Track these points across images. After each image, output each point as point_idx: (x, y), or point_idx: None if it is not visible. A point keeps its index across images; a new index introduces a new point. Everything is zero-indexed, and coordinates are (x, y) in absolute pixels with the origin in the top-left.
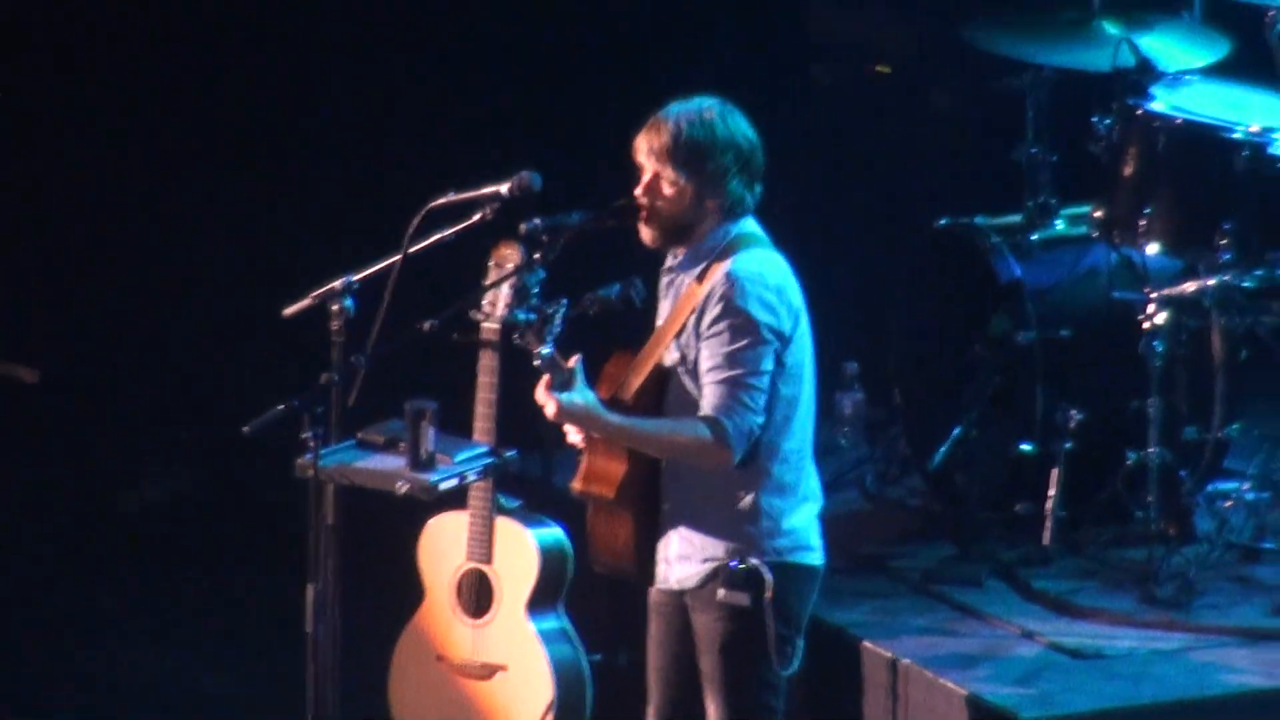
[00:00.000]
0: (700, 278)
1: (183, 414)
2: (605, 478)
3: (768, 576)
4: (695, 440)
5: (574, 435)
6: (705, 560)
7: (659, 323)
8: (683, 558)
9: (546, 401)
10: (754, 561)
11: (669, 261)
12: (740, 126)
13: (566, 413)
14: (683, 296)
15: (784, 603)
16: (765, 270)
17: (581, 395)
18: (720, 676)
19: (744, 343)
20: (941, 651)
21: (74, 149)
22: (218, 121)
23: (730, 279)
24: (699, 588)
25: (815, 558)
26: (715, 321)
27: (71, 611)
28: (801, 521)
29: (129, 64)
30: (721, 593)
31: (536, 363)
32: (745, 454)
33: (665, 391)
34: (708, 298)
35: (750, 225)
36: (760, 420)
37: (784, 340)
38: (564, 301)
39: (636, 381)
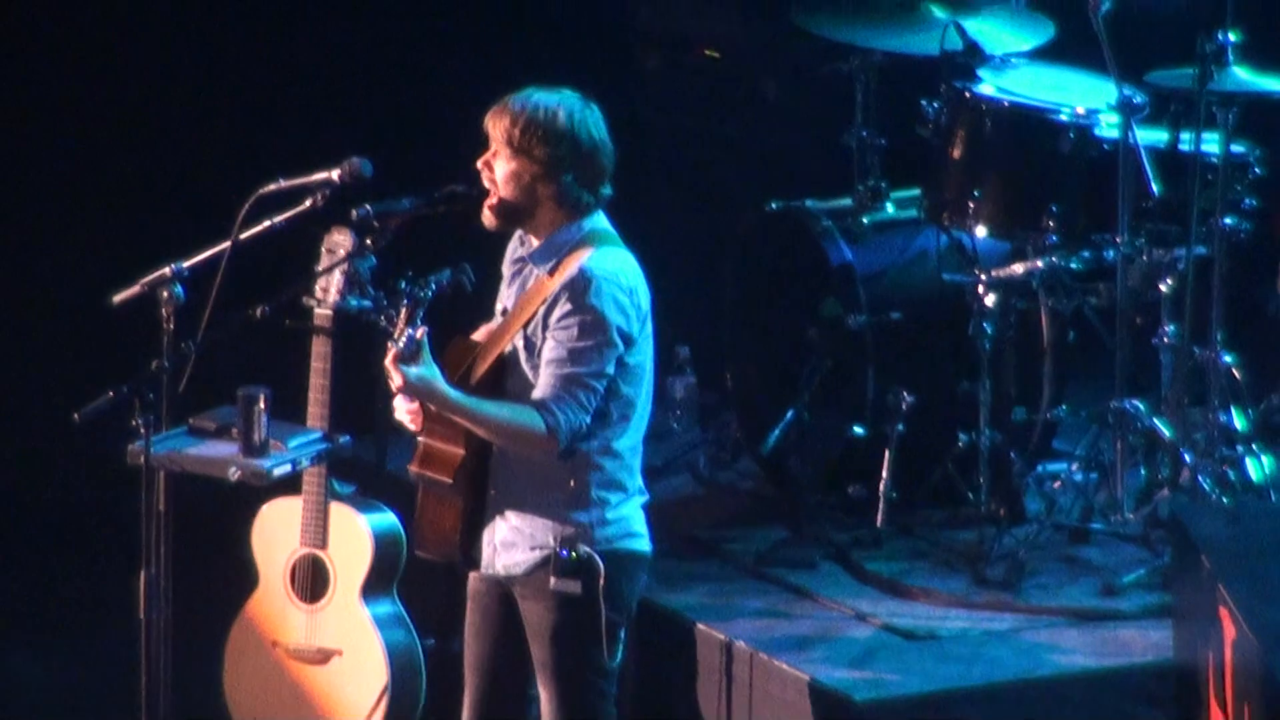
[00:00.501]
0: (552, 271)
1: (10, 402)
2: (443, 461)
3: (600, 564)
4: (527, 427)
5: (402, 414)
6: (533, 548)
7: (501, 308)
8: (509, 545)
9: (393, 374)
10: (585, 549)
11: (519, 251)
12: (587, 125)
13: (412, 386)
14: (532, 287)
15: (614, 589)
16: (620, 270)
17: (429, 370)
18: (553, 664)
19: (591, 342)
20: (776, 634)
21: None
22: (44, 104)
23: (586, 276)
24: (527, 575)
25: (643, 544)
26: (566, 315)
27: None
28: (629, 511)
29: None
30: (554, 581)
31: (401, 343)
32: (568, 449)
33: (507, 379)
34: (560, 290)
35: (602, 222)
36: (588, 420)
37: (629, 342)
38: (432, 283)
39: (482, 368)
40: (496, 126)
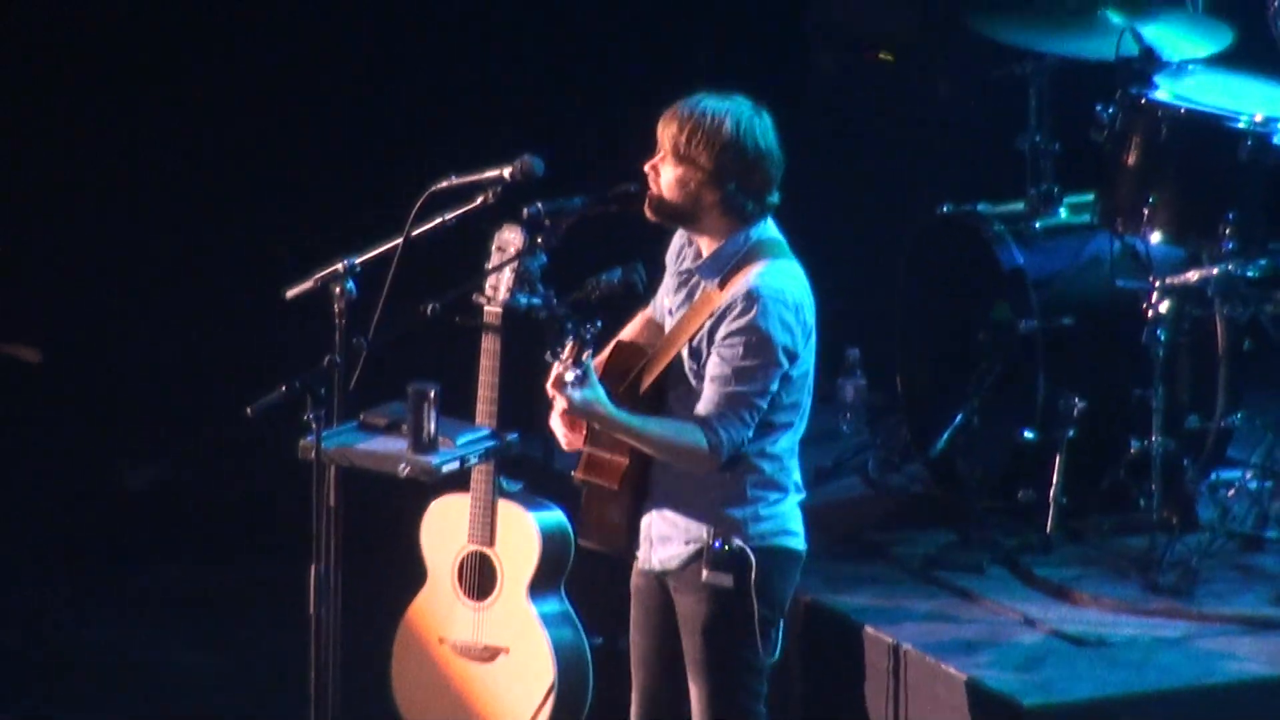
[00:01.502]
0: (722, 284)
1: (185, 395)
2: (609, 469)
3: (752, 558)
4: (691, 447)
5: (557, 425)
6: (688, 542)
7: (666, 308)
8: (664, 539)
9: (558, 397)
10: (738, 543)
11: (686, 260)
12: (754, 134)
13: (577, 409)
14: (700, 299)
15: (767, 585)
16: (787, 287)
17: (593, 392)
18: (703, 658)
19: (758, 361)
20: (943, 637)
21: (75, 129)
22: (222, 103)
23: (754, 296)
24: (681, 569)
25: (798, 543)
26: (733, 334)
27: (71, 595)
28: (785, 509)
29: (129, 47)
30: (705, 573)
31: (568, 375)
32: (728, 463)
33: (673, 389)
34: (729, 307)
35: (770, 231)
36: (750, 436)
37: (793, 359)
38: (598, 323)
39: (649, 379)
40: (665, 132)
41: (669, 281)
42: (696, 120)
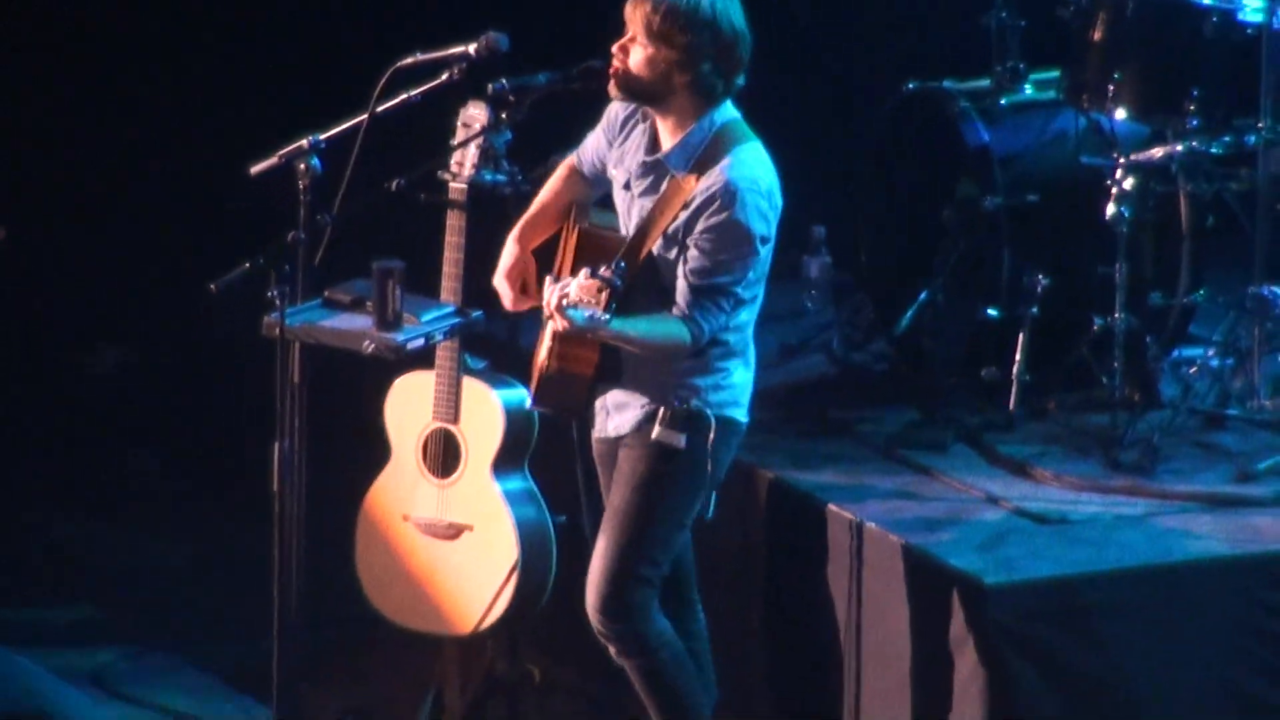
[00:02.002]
0: (690, 172)
1: (149, 273)
2: (582, 361)
3: (711, 419)
4: (674, 341)
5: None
6: (643, 406)
7: (623, 181)
8: (621, 406)
9: (558, 319)
10: (696, 404)
11: (642, 154)
12: (729, 14)
13: (580, 329)
14: (670, 189)
15: (716, 449)
16: (760, 175)
17: (589, 311)
18: (622, 509)
19: (736, 253)
20: (906, 515)
21: (35, 11)
22: None
23: (731, 189)
24: (635, 430)
25: (743, 414)
26: (711, 228)
27: (33, 478)
28: (740, 380)
29: None
30: (658, 429)
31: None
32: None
33: (651, 279)
34: (707, 200)
35: (731, 111)
36: (726, 322)
37: (768, 243)
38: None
39: (631, 270)
40: (637, 12)
41: (615, 152)
42: (672, 1)
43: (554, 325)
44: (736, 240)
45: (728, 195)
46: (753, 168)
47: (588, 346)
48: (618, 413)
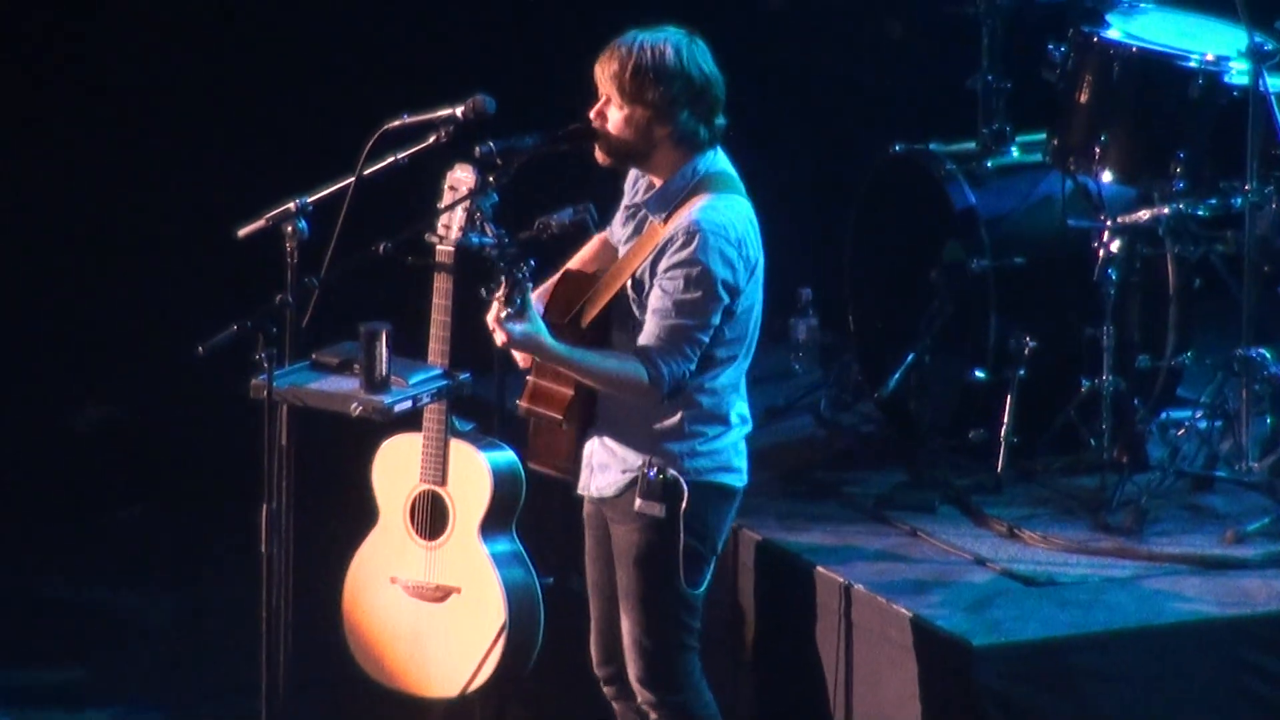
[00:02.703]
0: (666, 219)
1: (137, 334)
2: (553, 399)
3: (685, 489)
4: (632, 379)
5: (521, 359)
6: (624, 471)
7: (615, 238)
8: (603, 466)
9: (496, 330)
10: (672, 473)
11: (635, 196)
12: (696, 59)
13: (517, 343)
14: (646, 233)
15: (700, 518)
16: (730, 221)
17: (533, 325)
18: (633, 588)
19: (697, 294)
20: (894, 577)
21: (25, 60)
22: (172, 40)
23: (694, 229)
24: (617, 497)
25: (735, 479)
26: (673, 267)
27: (20, 536)
28: (725, 444)
29: None
30: (638, 502)
31: (505, 315)
32: (671, 395)
33: (618, 322)
34: (670, 240)
35: (720, 163)
36: (692, 369)
37: (735, 294)
38: (532, 263)
39: (593, 311)
40: (605, 73)
41: (622, 213)
42: (638, 56)
43: (496, 338)
44: (698, 280)
45: (689, 235)
46: (724, 214)
47: (559, 381)
48: (600, 473)
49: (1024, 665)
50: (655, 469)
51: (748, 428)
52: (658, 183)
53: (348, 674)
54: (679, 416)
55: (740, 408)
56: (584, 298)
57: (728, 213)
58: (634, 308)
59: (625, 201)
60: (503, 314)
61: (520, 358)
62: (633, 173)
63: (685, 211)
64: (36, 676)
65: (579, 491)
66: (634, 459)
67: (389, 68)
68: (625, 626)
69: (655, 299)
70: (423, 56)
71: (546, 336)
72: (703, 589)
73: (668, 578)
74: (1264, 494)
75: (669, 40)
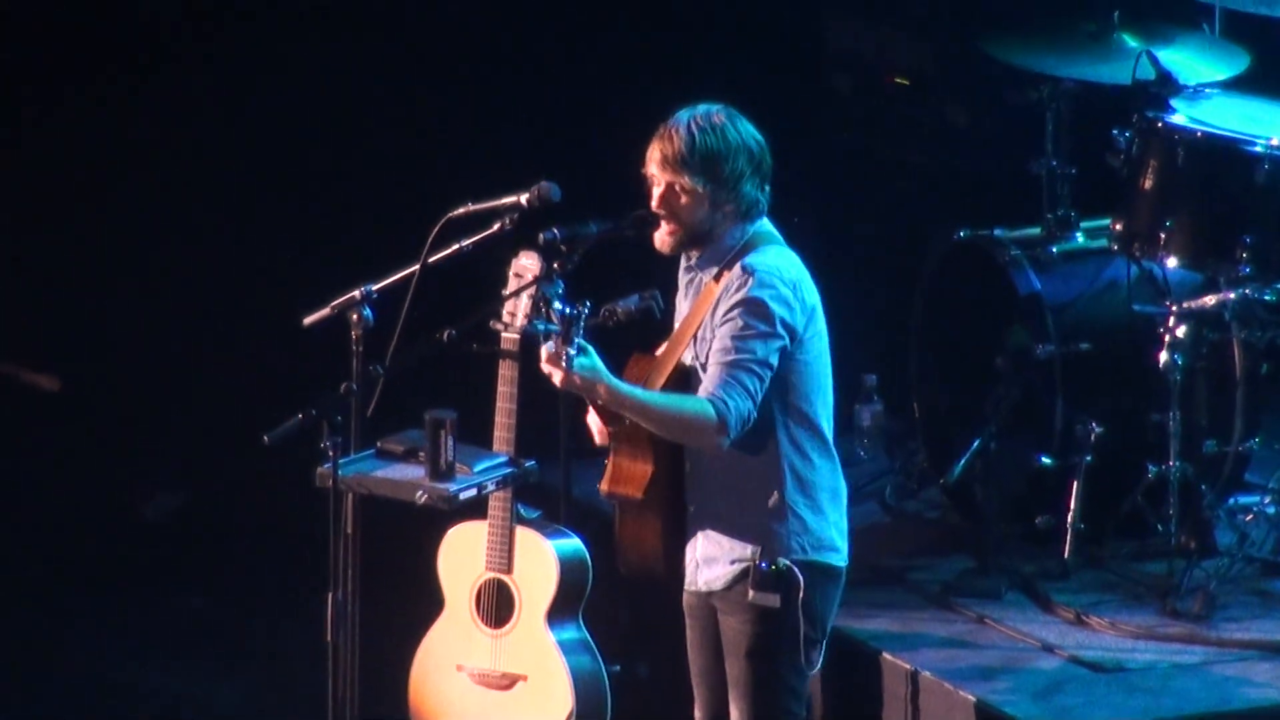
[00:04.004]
0: (718, 276)
1: (203, 422)
2: (632, 479)
3: (799, 575)
4: (698, 417)
5: (594, 425)
6: (733, 562)
7: (678, 322)
8: (709, 559)
9: (554, 370)
10: (784, 561)
11: (687, 261)
12: (748, 129)
13: (574, 377)
14: (701, 294)
15: (811, 603)
16: (782, 265)
17: (591, 361)
18: (747, 679)
19: (754, 331)
20: (961, 664)
21: (95, 157)
22: (240, 131)
23: (746, 270)
24: (726, 589)
25: (840, 559)
26: (730, 309)
27: (90, 621)
28: (826, 520)
29: (150, 72)
30: (751, 594)
31: (562, 360)
32: (736, 438)
33: (688, 386)
34: (724, 290)
35: (766, 225)
36: (754, 408)
37: (794, 336)
38: (587, 304)
39: (659, 380)
40: (665, 157)
41: (679, 296)
42: (699, 134)
43: (554, 379)
44: (754, 317)
45: (744, 277)
46: (777, 259)
47: (638, 457)
48: (707, 566)
49: None
50: (766, 560)
51: (844, 499)
52: (701, 251)
53: None
54: (780, 494)
55: (836, 476)
56: (650, 370)
57: (780, 259)
58: (698, 368)
59: (681, 290)
60: (563, 351)
61: (596, 430)
62: (682, 273)
63: (737, 265)
64: None
65: (688, 586)
66: (740, 548)
67: (455, 155)
68: (734, 715)
69: (716, 343)
70: (489, 143)
71: (607, 373)
72: (816, 670)
73: (779, 667)
74: None
75: (720, 114)
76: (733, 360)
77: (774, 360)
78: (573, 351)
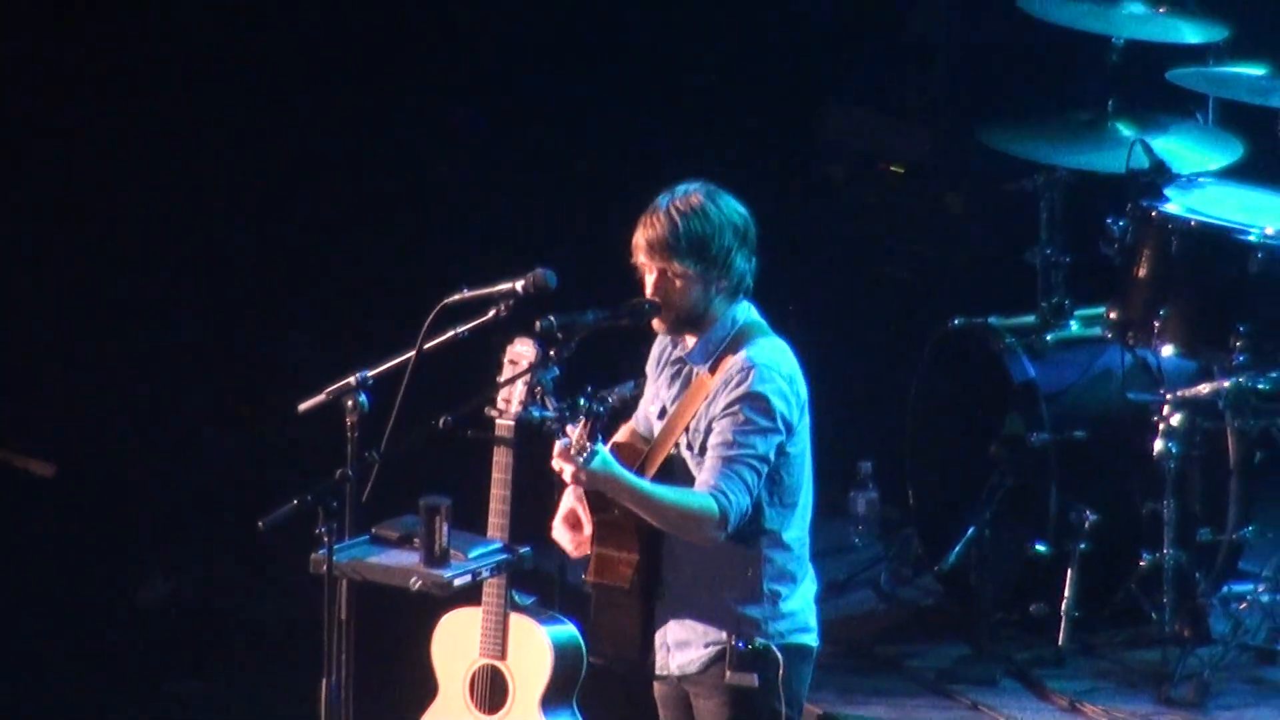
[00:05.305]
0: (713, 368)
1: (198, 508)
2: (618, 568)
3: (778, 655)
4: (702, 513)
5: (561, 533)
6: (707, 645)
7: (659, 408)
8: (683, 644)
9: (567, 466)
10: (761, 641)
11: (676, 351)
12: (729, 204)
13: (593, 475)
14: (694, 386)
15: (789, 683)
16: (779, 359)
17: (605, 457)
18: None
19: (755, 427)
20: None
21: (86, 241)
22: (233, 218)
23: (748, 365)
24: (701, 673)
25: (812, 639)
26: (731, 404)
27: (84, 706)
28: (801, 604)
29: (146, 159)
30: (729, 674)
31: (580, 459)
32: (735, 533)
33: (679, 478)
34: (724, 384)
35: (752, 313)
36: (750, 502)
37: (790, 431)
38: (608, 400)
39: (652, 469)
40: (652, 243)
41: (653, 387)
42: (683, 217)
43: (567, 475)
44: (755, 413)
45: (744, 372)
46: (771, 354)
47: (624, 548)
48: (679, 651)
49: None
50: (744, 640)
51: (816, 587)
52: (694, 339)
53: None
54: (756, 576)
55: (807, 562)
56: (640, 459)
57: (775, 353)
58: (690, 461)
59: (653, 376)
60: (579, 451)
61: (570, 536)
62: (655, 349)
63: (732, 356)
64: None
65: (658, 672)
66: (715, 632)
67: (449, 242)
68: None
69: (716, 434)
70: (483, 231)
71: (619, 467)
72: None
73: None
74: None
75: (699, 192)
76: (735, 455)
77: (772, 456)
78: (592, 447)
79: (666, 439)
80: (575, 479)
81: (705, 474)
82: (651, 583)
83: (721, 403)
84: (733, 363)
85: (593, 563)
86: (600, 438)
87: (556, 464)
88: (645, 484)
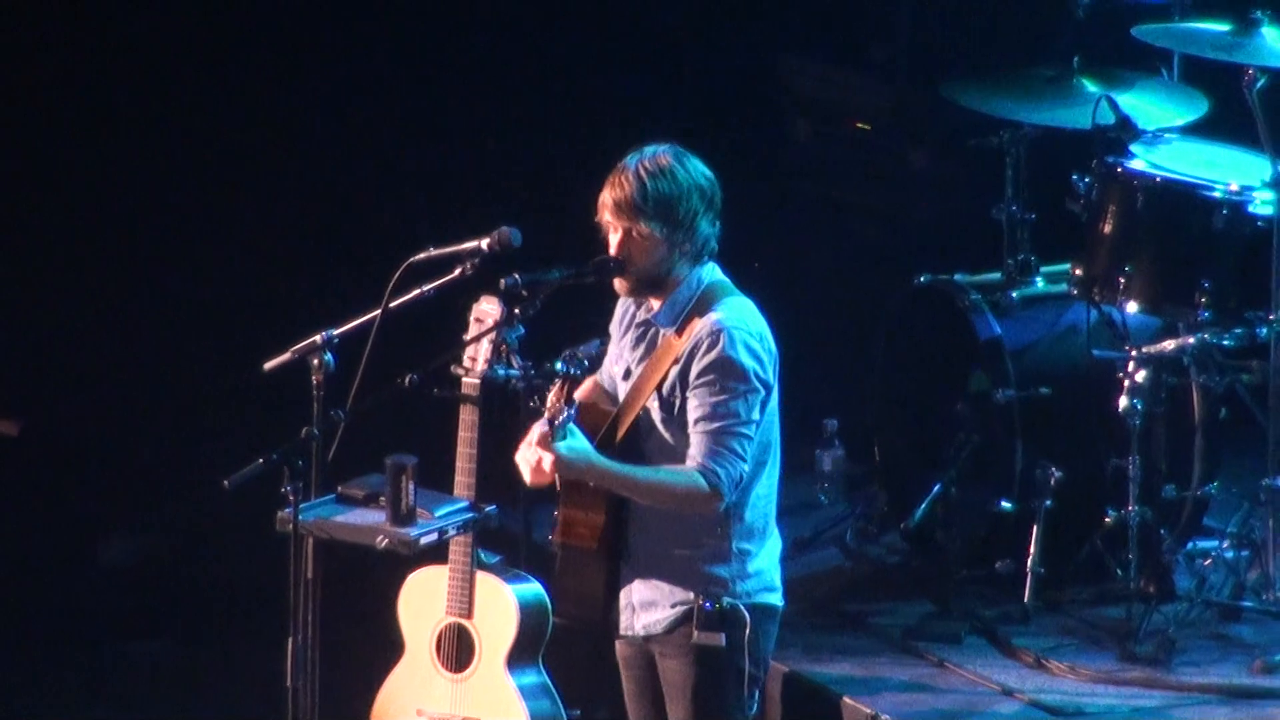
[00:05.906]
0: (680, 330)
1: (163, 467)
2: (585, 529)
3: (745, 615)
4: (689, 489)
5: (523, 463)
6: (674, 605)
7: (624, 369)
8: (648, 604)
9: (544, 453)
10: (729, 600)
11: (640, 313)
12: (697, 167)
13: (566, 462)
14: (661, 348)
15: (754, 643)
16: (747, 319)
17: (580, 442)
18: None
19: (735, 391)
20: (921, 708)
21: (50, 201)
22: (202, 177)
23: (717, 328)
24: (667, 633)
25: (778, 598)
26: (705, 371)
27: (46, 666)
28: (767, 563)
29: (113, 121)
30: (696, 634)
31: (555, 422)
32: (731, 500)
33: (646, 441)
34: (694, 348)
35: (717, 273)
36: (747, 467)
37: (767, 388)
38: (585, 363)
39: (621, 431)
40: (619, 202)
41: (616, 347)
42: (651, 177)
43: (544, 461)
44: (733, 376)
45: (715, 335)
46: (739, 314)
47: (591, 509)
48: (645, 611)
49: None
50: (710, 600)
51: (781, 544)
52: (658, 301)
53: None
54: (725, 535)
55: (774, 521)
56: (606, 422)
57: (743, 311)
58: (660, 424)
59: (616, 336)
60: (556, 421)
61: (527, 469)
62: (619, 309)
63: (700, 318)
64: None
65: (623, 633)
66: (681, 592)
67: (415, 200)
68: None
69: (694, 409)
70: (448, 189)
71: (595, 453)
72: (754, 711)
73: (725, 708)
74: None
75: (668, 155)
76: (718, 427)
77: (757, 415)
78: (569, 411)
79: (635, 400)
80: (551, 467)
81: (693, 448)
82: (617, 544)
83: (695, 369)
84: (701, 325)
85: (559, 523)
86: (573, 403)
87: (534, 453)
88: (627, 470)
